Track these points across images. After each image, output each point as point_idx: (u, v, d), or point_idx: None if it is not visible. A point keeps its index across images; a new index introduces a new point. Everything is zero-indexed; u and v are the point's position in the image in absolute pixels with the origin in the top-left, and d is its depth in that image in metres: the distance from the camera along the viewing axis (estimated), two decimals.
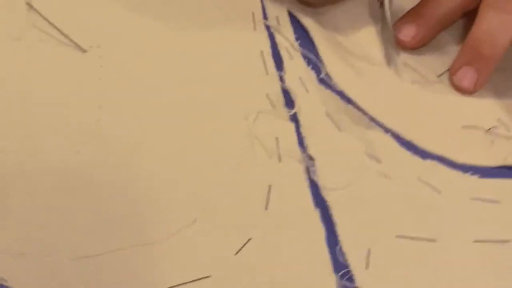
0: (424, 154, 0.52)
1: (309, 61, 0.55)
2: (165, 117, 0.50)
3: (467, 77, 0.56)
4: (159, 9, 0.55)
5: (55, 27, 0.52)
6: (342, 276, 0.46)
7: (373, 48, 0.57)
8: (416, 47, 0.57)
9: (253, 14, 0.57)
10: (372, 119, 0.53)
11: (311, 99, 0.53)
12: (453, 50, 0.58)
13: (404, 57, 0.57)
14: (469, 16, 0.58)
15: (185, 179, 0.47)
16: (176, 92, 0.51)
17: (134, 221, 0.45)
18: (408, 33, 0.57)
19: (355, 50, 0.57)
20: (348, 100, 0.53)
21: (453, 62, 0.57)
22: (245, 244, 0.46)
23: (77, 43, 0.51)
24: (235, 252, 0.45)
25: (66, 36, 0.51)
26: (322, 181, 0.49)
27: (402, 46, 0.57)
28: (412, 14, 0.58)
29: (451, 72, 0.56)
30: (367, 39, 0.58)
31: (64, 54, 0.51)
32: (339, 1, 0.58)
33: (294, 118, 0.52)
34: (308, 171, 0.49)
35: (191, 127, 0.50)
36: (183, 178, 0.47)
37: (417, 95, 0.55)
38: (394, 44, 0.56)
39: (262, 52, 0.55)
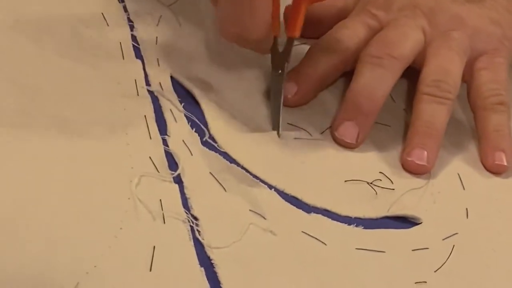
0: (308, 208, 0.52)
1: (193, 124, 0.55)
2: (47, 183, 0.49)
3: (348, 132, 0.57)
4: (39, 79, 0.55)
5: None
6: None
7: (257, 109, 0.58)
8: (298, 104, 0.59)
9: (135, 81, 0.57)
10: (256, 177, 0.53)
11: (195, 161, 0.53)
12: (334, 108, 0.59)
13: (287, 116, 0.58)
14: (349, 75, 0.59)
15: (68, 242, 0.46)
16: (59, 157, 0.50)
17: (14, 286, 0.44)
18: (289, 90, 0.58)
19: (239, 112, 0.57)
20: (232, 161, 0.54)
21: (334, 118, 0.58)
22: None
23: None
24: None
25: None
26: (207, 240, 0.48)
27: (284, 103, 0.58)
28: (293, 73, 0.59)
29: (333, 128, 0.57)
30: (250, 100, 0.58)
31: None
32: None
33: (178, 180, 0.51)
34: (192, 230, 0.49)
35: (75, 191, 0.49)
36: (65, 241, 0.46)
37: (300, 151, 0.56)
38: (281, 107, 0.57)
39: (145, 117, 0.55)
